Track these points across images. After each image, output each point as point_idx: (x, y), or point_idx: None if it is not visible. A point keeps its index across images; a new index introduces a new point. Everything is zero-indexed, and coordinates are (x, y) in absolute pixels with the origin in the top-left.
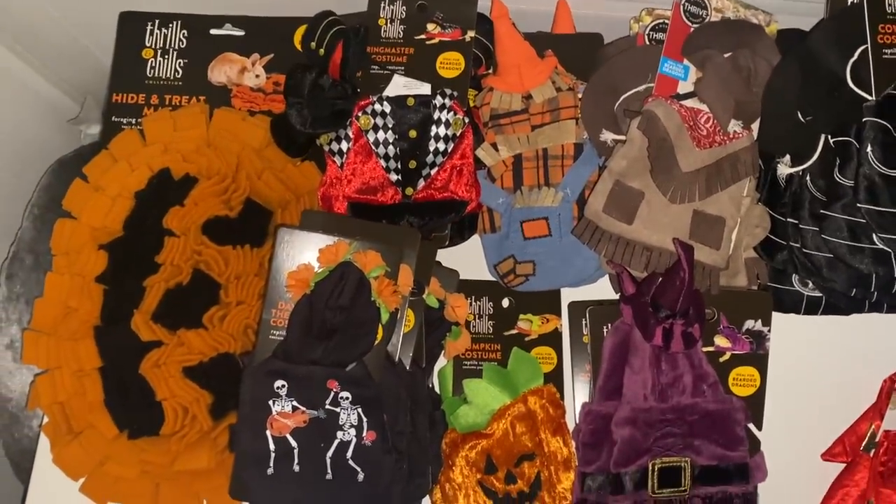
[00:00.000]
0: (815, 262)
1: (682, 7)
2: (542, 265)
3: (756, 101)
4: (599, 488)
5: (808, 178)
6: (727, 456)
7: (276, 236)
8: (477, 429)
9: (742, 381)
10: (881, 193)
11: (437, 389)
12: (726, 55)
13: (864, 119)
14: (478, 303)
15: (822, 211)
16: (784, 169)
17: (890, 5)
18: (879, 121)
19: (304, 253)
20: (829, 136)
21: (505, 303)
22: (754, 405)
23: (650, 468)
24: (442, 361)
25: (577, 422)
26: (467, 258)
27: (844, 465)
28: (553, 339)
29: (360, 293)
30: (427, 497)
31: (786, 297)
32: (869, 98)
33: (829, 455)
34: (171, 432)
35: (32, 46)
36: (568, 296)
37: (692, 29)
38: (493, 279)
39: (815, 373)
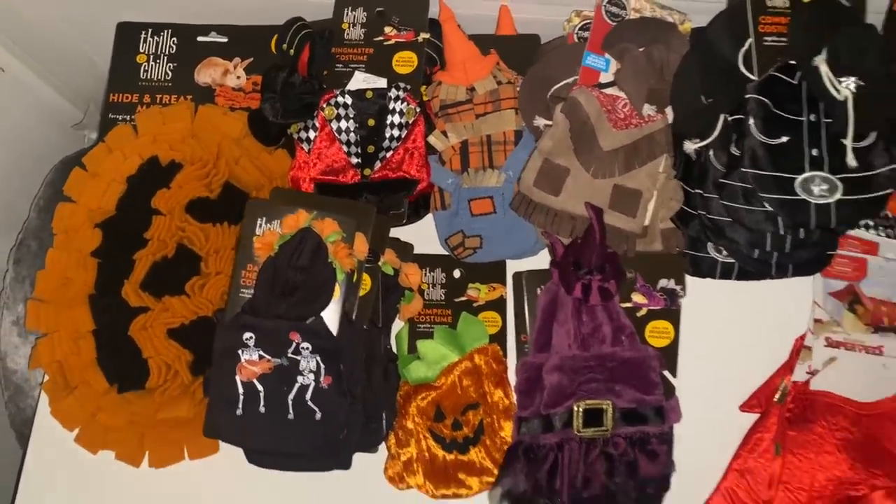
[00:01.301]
0: (718, 225)
1: (603, 8)
2: (488, 239)
3: (668, 89)
4: (533, 430)
5: (711, 152)
6: (644, 399)
7: (247, 208)
8: (428, 382)
9: (657, 333)
10: (761, 159)
11: (395, 350)
12: (642, 49)
13: (747, 96)
14: (432, 273)
15: (721, 180)
16: (690, 145)
17: (770, 0)
18: (760, 97)
19: (270, 222)
20: (727, 115)
21: (456, 273)
22: (669, 355)
23: (576, 410)
24: (399, 325)
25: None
26: (424, 235)
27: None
28: (498, 305)
29: (317, 255)
30: (383, 442)
31: (702, 262)
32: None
33: (746, 406)
34: (155, 386)
35: (42, 57)
36: (513, 267)
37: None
38: (446, 253)
39: (735, 334)
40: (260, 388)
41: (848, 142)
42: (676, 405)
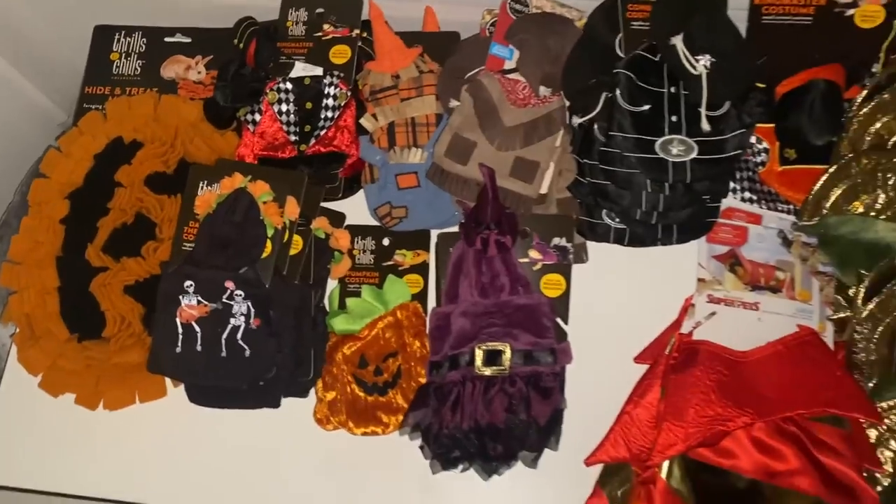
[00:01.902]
0: (603, 189)
1: (507, 5)
2: (413, 209)
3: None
4: (442, 373)
5: (595, 125)
6: (539, 342)
7: (190, 173)
8: (353, 333)
9: (551, 285)
10: (627, 124)
11: (328, 308)
12: (540, 40)
13: (614, 71)
14: (363, 241)
15: (602, 149)
16: (576, 119)
17: None
18: (626, 72)
19: (211, 185)
20: (608, 93)
21: (385, 241)
22: (561, 304)
23: (477, 351)
24: (332, 285)
25: None
26: (359, 209)
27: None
28: (421, 269)
29: (250, 212)
30: (313, 389)
31: (598, 228)
32: None
33: (640, 359)
34: (111, 335)
35: (29, 61)
36: (437, 236)
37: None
38: (377, 224)
39: (632, 294)
40: (197, 329)
41: (702, 110)
42: (568, 348)
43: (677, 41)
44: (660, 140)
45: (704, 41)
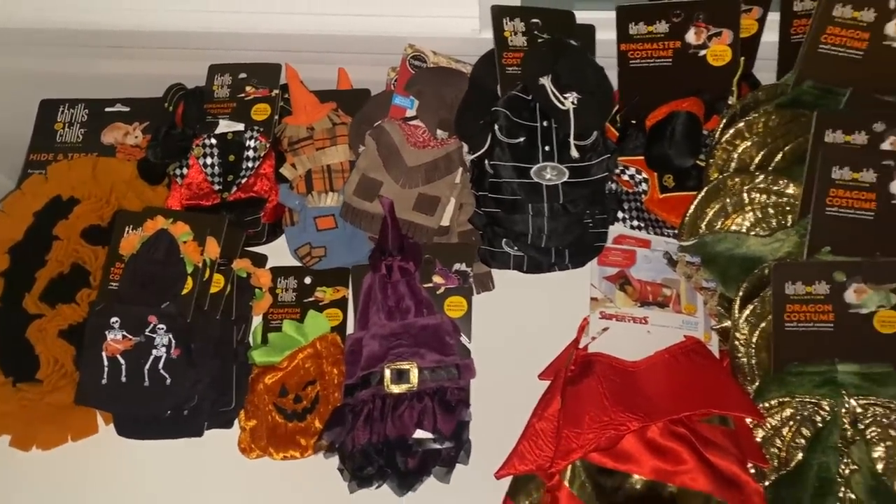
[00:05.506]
0: (495, 217)
1: (407, 61)
2: (332, 249)
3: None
4: (356, 394)
5: (486, 161)
6: (443, 360)
7: (116, 218)
8: (273, 365)
9: (454, 307)
10: (505, 154)
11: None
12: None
13: (493, 109)
14: (286, 280)
15: (490, 180)
16: (468, 157)
17: (510, 41)
18: (502, 109)
19: (135, 229)
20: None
21: (307, 280)
22: (464, 323)
23: (386, 370)
24: (256, 321)
25: None
26: (283, 252)
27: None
28: (340, 303)
29: (170, 251)
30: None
31: (498, 256)
32: None
33: (543, 375)
34: (44, 376)
35: None
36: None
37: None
38: (299, 264)
39: (533, 316)
40: (122, 361)
41: (571, 140)
42: (471, 364)
43: (546, 81)
44: (534, 167)
45: (570, 80)
